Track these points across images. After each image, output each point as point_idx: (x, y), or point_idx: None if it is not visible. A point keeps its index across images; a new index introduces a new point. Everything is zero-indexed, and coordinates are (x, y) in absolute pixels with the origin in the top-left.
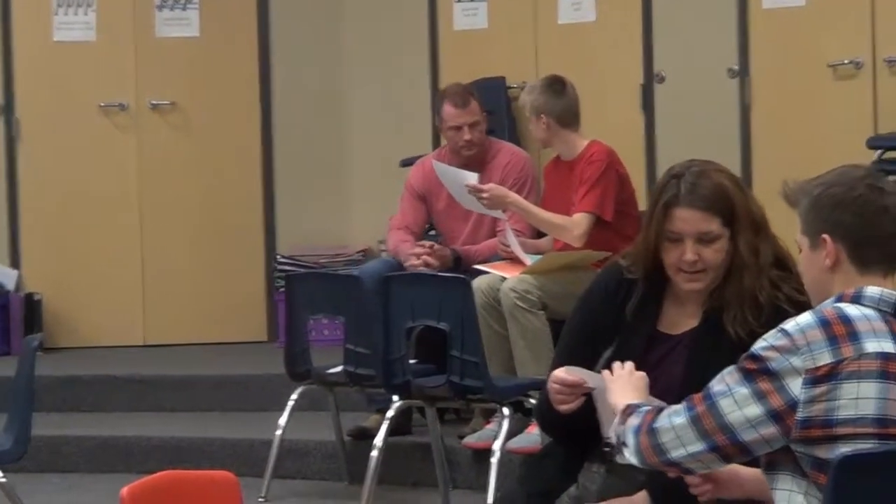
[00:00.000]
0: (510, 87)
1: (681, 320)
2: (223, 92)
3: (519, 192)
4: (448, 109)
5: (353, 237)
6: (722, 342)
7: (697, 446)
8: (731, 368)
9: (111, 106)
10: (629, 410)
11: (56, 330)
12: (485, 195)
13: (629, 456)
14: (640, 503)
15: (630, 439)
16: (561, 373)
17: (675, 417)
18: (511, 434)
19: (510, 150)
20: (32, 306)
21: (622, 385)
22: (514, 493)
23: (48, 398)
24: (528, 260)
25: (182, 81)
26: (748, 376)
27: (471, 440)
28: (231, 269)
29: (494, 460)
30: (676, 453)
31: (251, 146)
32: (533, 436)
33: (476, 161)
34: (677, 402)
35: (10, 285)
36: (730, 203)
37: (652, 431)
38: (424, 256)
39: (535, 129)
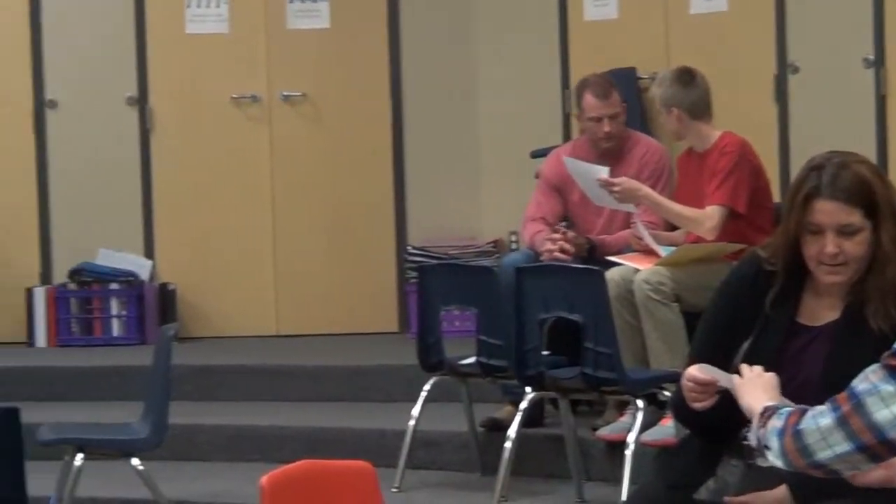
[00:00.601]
0: (640, 78)
1: (820, 312)
2: (354, 83)
3: (654, 184)
4: (589, 100)
5: (483, 228)
6: (863, 335)
7: (845, 447)
8: (875, 366)
9: (243, 98)
10: (768, 413)
11: (190, 320)
12: (616, 188)
13: (773, 459)
14: (780, 498)
15: (773, 442)
16: (694, 371)
17: (820, 418)
18: (645, 426)
19: (647, 141)
20: (166, 296)
21: (754, 387)
22: (653, 485)
23: (183, 387)
24: (662, 251)
25: (313, 73)
26: (893, 373)
27: (604, 432)
28: (362, 260)
29: (629, 453)
30: (823, 455)
31: (382, 137)
32: (667, 428)
33: (612, 153)
34: (816, 394)
35: (145, 275)
36: (871, 195)
37: (797, 434)
38: (560, 242)
39: (666, 121)
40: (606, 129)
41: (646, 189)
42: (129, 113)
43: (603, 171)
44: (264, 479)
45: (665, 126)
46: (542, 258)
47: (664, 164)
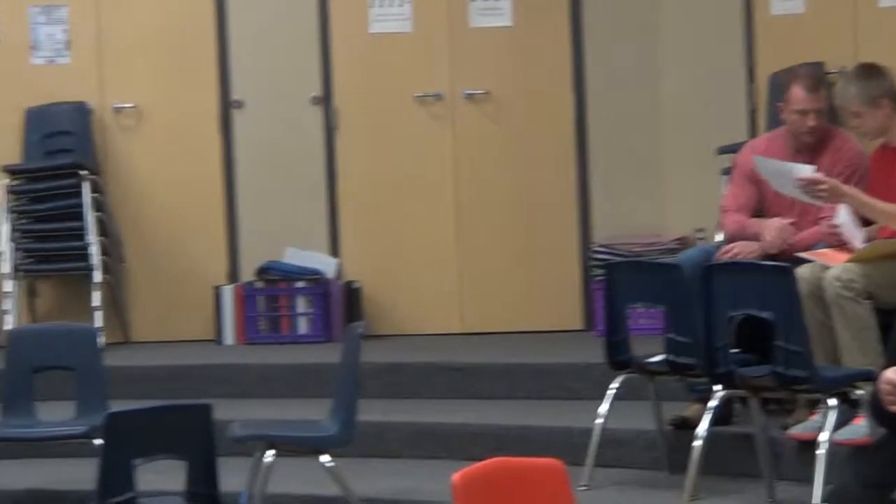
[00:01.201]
0: (829, 73)
1: None
2: (536, 80)
3: (847, 179)
4: (796, 92)
5: (668, 226)
6: None
7: None
8: None
9: (427, 96)
10: None
11: (374, 317)
12: (823, 187)
13: None
14: None
15: None
16: (891, 374)
17: None
18: (837, 425)
19: (843, 136)
20: (352, 294)
21: None
22: (849, 485)
23: (371, 385)
24: (860, 242)
25: (496, 71)
26: None
27: (796, 431)
28: (546, 257)
29: (821, 452)
30: None
31: (565, 134)
32: (860, 427)
33: (809, 147)
34: None
35: (331, 274)
36: None
37: None
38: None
39: (871, 118)
40: (811, 123)
41: (849, 189)
42: (313, 112)
43: (807, 170)
44: (456, 477)
45: (868, 123)
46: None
47: (859, 160)
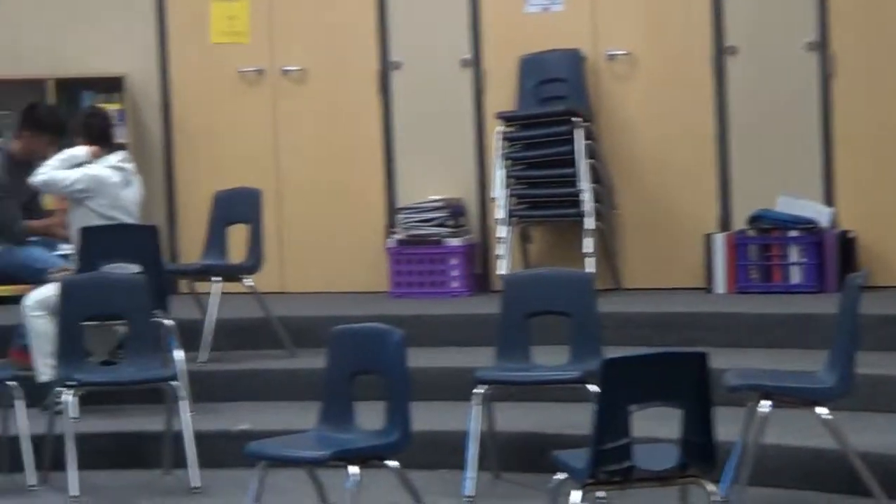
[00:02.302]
0: None
1: None
2: None
3: None
4: None
5: None
6: None
7: None
8: None
9: None
10: None
11: (871, 268)
12: None
13: None
14: None
15: None
16: None
17: None
18: None
19: None
20: (847, 244)
21: None
22: None
23: (868, 337)
24: None
25: None
26: None
27: None
28: None
29: None
30: None
31: None
32: None
33: None
34: None
35: (825, 223)
36: None
37: None
38: None
39: None
40: None
41: None
42: (809, 58)
43: None
44: None
45: None
46: None
47: None
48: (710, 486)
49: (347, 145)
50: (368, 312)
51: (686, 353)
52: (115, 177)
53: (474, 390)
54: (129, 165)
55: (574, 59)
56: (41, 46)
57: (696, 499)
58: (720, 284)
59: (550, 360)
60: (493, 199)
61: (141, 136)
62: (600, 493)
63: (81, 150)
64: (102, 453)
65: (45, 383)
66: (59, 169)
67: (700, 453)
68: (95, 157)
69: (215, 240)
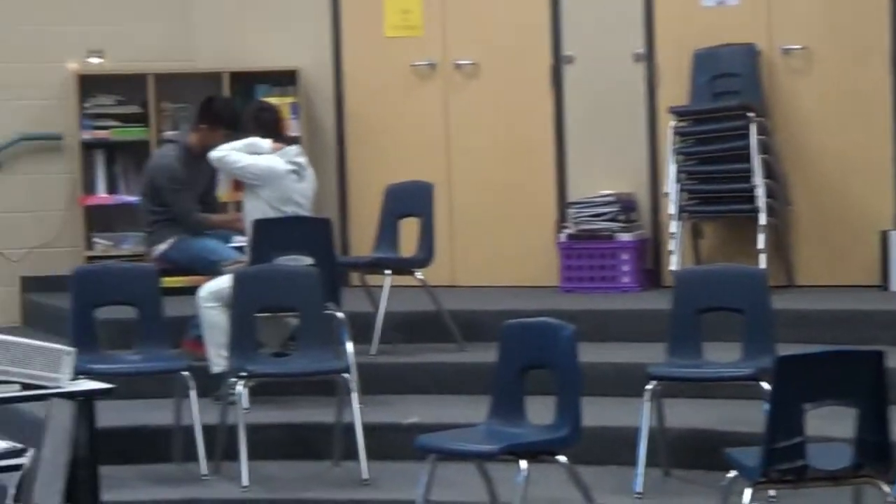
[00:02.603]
0: None
1: None
2: None
3: None
4: None
5: None
6: None
7: None
8: None
9: None
10: None
11: None
12: None
13: None
14: None
15: None
16: None
17: None
18: None
19: None
20: None
21: None
22: None
23: None
24: None
25: None
26: None
27: None
28: None
29: None
30: None
31: None
32: None
33: None
34: None
35: None
36: None
37: None
38: None
39: None
40: None
41: None
42: None
43: None
44: None
45: None
46: None
47: None
48: (886, 487)
49: (519, 139)
50: (539, 307)
51: (862, 352)
52: (288, 171)
53: (646, 386)
54: (303, 159)
55: (749, 54)
56: (217, 41)
57: (871, 499)
58: None
59: (722, 356)
60: (666, 194)
61: (314, 130)
62: (771, 492)
63: (266, 142)
64: (273, 444)
65: (218, 374)
66: (238, 151)
67: (875, 453)
68: (276, 150)
69: (387, 233)
